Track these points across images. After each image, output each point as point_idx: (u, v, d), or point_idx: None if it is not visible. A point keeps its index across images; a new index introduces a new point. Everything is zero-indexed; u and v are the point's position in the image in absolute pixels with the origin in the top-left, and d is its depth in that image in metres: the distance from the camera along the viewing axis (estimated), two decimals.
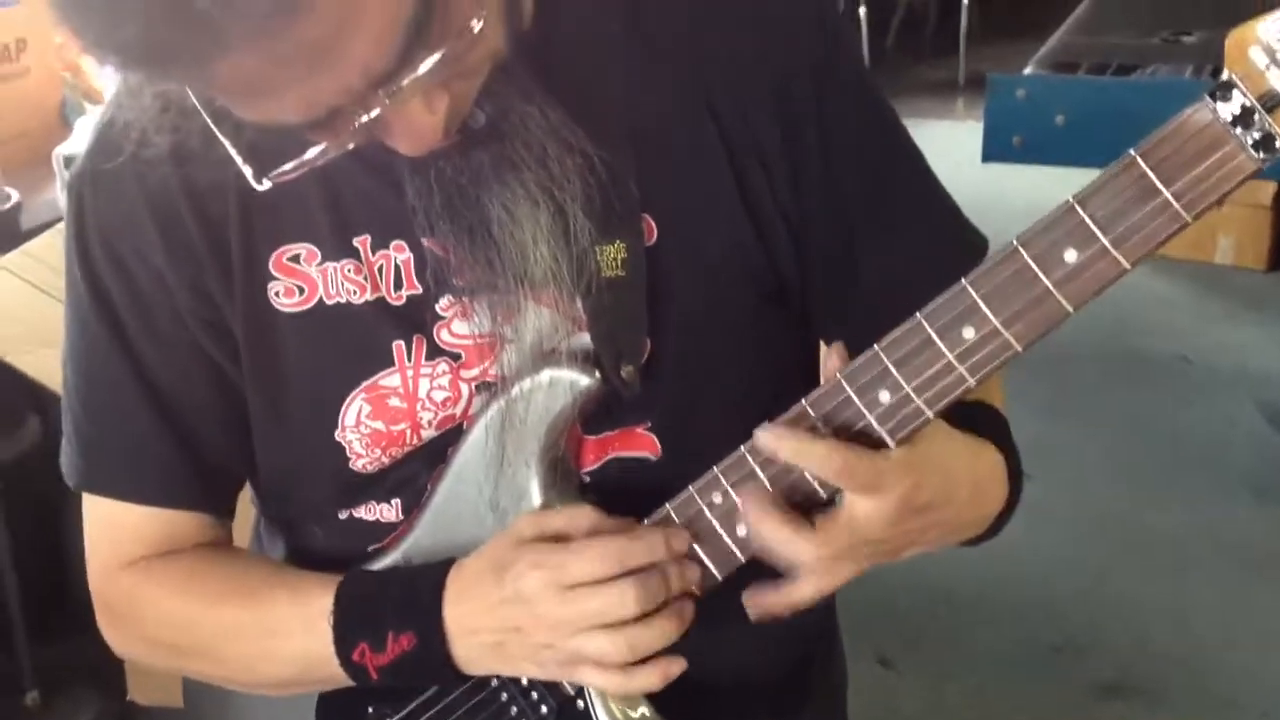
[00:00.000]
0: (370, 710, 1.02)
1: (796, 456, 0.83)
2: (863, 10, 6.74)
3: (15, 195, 2.53)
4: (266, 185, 0.79)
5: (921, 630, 2.80)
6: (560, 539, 0.90)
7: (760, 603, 0.89)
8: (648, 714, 0.95)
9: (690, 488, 0.91)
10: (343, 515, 1.01)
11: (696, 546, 0.91)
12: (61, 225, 2.16)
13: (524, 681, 0.97)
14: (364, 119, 0.75)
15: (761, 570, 0.89)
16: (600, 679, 0.90)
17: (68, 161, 2.59)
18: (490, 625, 0.91)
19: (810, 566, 0.85)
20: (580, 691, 0.96)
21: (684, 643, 0.90)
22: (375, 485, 0.99)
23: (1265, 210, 4.37)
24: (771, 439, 0.84)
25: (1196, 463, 3.38)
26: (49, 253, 1.97)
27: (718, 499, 0.90)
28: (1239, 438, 3.49)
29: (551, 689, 0.96)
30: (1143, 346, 3.92)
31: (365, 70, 0.72)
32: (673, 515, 0.92)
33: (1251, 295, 4.28)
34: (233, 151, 0.78)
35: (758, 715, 1.06)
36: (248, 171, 0.78)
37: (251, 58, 0.68)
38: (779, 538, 0.84)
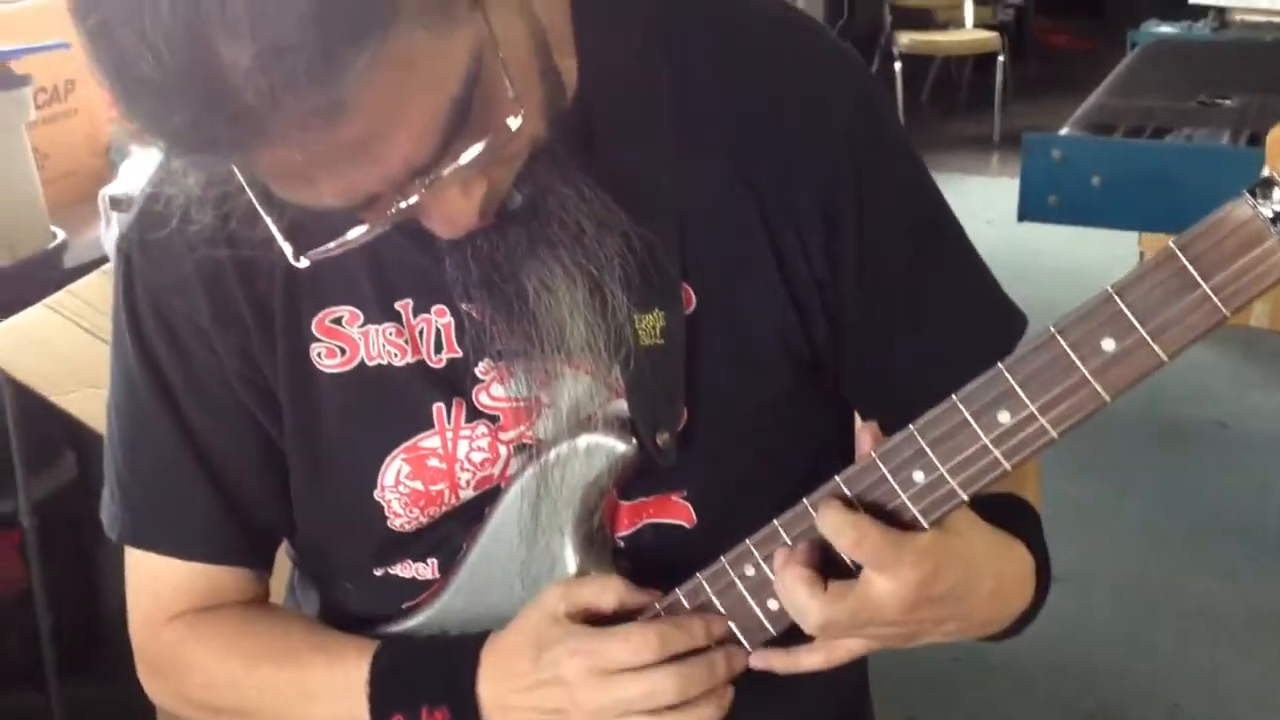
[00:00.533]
0: None
1: (820, 525, 0.84)
2: (898, 65, 6.79)
3: (61, 234, 2.57)
4: (305, 264, 0.80)
5: (953, 692, 2.78)
6: (590, 611, 0.91)
7: (766, 657, 0.90)
8: None
9: (722, 559, 0.91)
10: (378, 572, 1.02)
11: (728, 617, 0.91)
12: (107, 266, 2.21)
13: None
14: (402, 205, 0.76)
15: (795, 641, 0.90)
16: None
17: (114, 202, 2.63)
18: (527, 705, 0.92)
19: (816, 628, 0.85)
20: None
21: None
22: (412, 544, 1.00)
23: None
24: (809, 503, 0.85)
25: (1232, 529, 3.36)
26: (94, 293, 1.99)
27: (750, 571, 0.90)
28: (1275, 504, 3.47)
29: None
30: (1179, 412, 3.90)
31: (405, 163, 0.73)
32: (705, 585, 0.92)
33: None
34: (275, 230, 0.79)
35: None
36: (288, 249, 0.80)
37: (294, 151, 0.70)
38: (795, 592, 0.84)
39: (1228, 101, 3.24)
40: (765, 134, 0.94)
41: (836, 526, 0.83)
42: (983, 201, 4.20)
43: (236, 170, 0.77)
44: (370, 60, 0.66)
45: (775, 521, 0.88)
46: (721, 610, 0.92)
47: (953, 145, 6.52)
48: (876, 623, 0.85)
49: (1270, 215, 0.73)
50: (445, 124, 0.72)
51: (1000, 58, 6.89)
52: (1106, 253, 4.44)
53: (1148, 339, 0.76)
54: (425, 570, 1.01)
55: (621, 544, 0.98)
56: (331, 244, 0.79)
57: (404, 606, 1.02)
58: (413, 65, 0.69)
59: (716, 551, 0.92)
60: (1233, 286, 0.74)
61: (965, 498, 0.82)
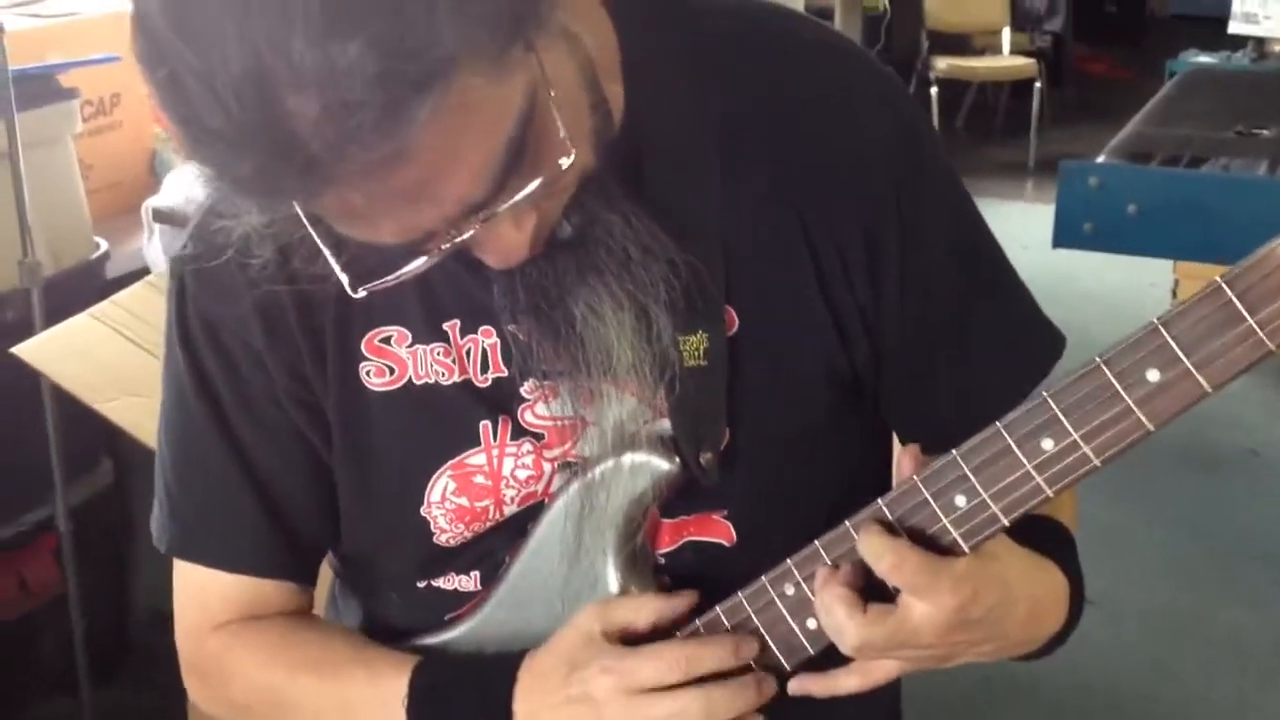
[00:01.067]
0: None
1: (861, 549, 0.85)
2: (934, 90, 6.80)
3: (104, 244, 2.62)
4: (362, 294, 0.82)
5: (982, 713, 2.79)
6: (626, 631, 0.93)
7: (805, 685, 0.92)
8: None
9: (763, 578, 0.93)
10: (422, 585, 1.04)
11: (766, 636, 0.93)
12: (151, 277, 2.24)
13: None
14: (457, 240, 0.78)
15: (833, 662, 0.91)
16: None
17: (157, 214, 2.67)
18: None
19: (853, 649, 0.87)
20: None
21: None
22: (456, 557, 1.02)
23: None
24: (851, 526, 0.87)
25: (1262, 558, 3.36)
26: (137, 303, 2.03)
27: (789, 590, 0.92)
28: None
29: None
30: (1212, 439, 3.92)
31: (461, 202, 0.75)
32: (744, 603, 0.93)
33: None
34: (334, 264, 0.81)
35: None
36: (345, 280, 0.81)
37: (356, 195, 0.72)
38: (834, 612, 0.86)
39: (1265, 132, 3.23)
40: (809, 160, 0.96)
41: (876, 550, 0.84)
42: (1018, 227, 4.21)
43: (299, 208, 0.79)
44: (431, 110, 0.68)
45: (816, 542, 0.90)
46: (760, 629, 0.93)
47: (988, 171, 6.53)
48: (913, 645, 0.86)
49: None
50: (500, 164, 0.74)
51: (1037, 84, 6.91)
52: (1141, 280, 4.45)
53: (1193, 370, 0.77)
54: (468, 583, 1.03)
55: (662, 560, 0.99)
56: (389, 277, 0.80)
57: (446, 618, 1.04)
58: (470, 111, 0.71)
59: (755, 570, 0.93)
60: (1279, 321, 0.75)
61: (1006, 523, 0.83)
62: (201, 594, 1.07)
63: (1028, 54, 7.26)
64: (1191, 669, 2.93)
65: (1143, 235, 2.91)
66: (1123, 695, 2.84)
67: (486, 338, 0.97)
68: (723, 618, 0.94)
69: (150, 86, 0.71)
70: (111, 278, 2.63)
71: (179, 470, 1.05)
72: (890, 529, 0.86)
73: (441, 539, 1.00)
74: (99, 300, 2.29)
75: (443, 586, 1.04)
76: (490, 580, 1.02)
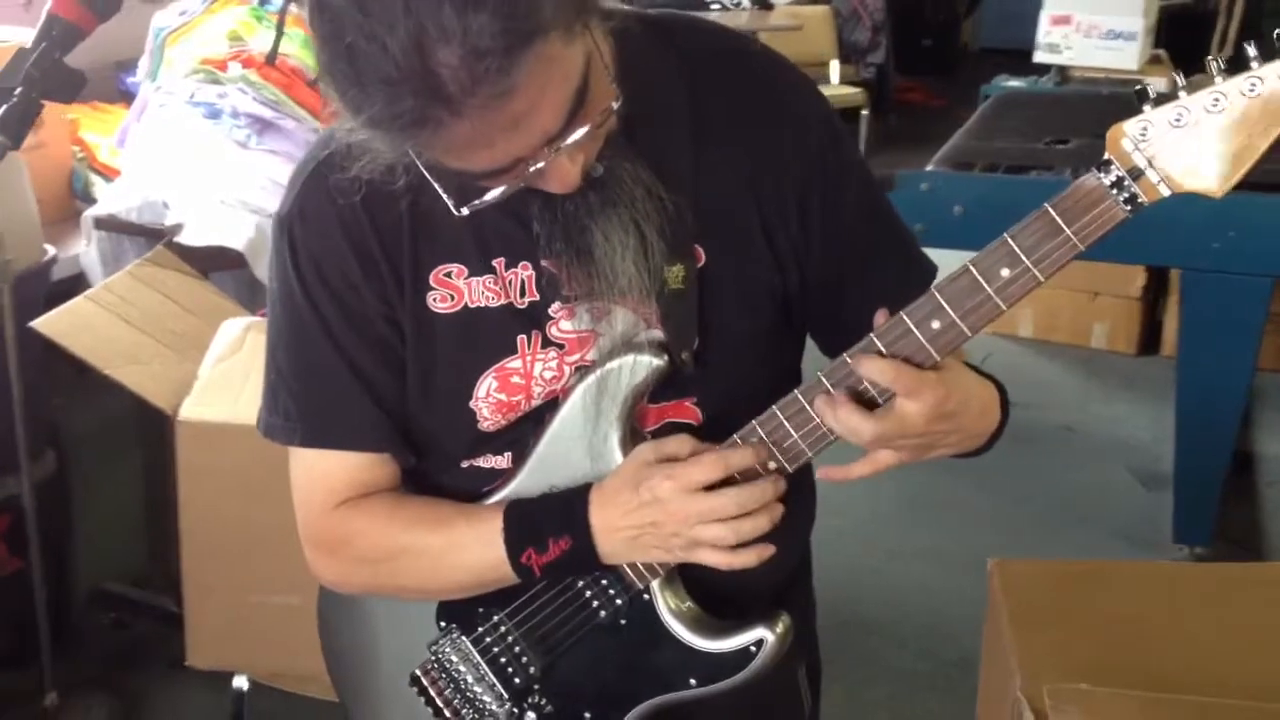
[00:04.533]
0: (481, 610, 1.35)
1: (860, 367, 1.16)
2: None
3: (52, 250, 2.78)
4: (465, 213, 1.12)
5: (839, 649, 3.14)
6: (672, 458, 1.23)
7: (829, 473, 1.24)
8: (691, 605, 1.31)
9: (773, 406, 1.22)
10: (465, 465, 1.33)
11: (774, 449, 1.23)
12: (132, 267, 2.48)
13: (602, 581, 1.30)
14: (534, 168, 1.08)
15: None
16: (714, 558, 1.23)
17: (98, 222, 2.89)
18: (630, 524, 1.23)
19: (869, 440, 1.17)
20: (647, 587, 1.29)
21: (769, 536, 1.23)
22: (493, 440, 1.31)
23: (1135, 301, 4.87)
24: (851, 358, 1.17)
25: (1076, 517, 3.78)
26: (124, 289, 2.27)
27: (793, 411, 1.22)
28: (1113, 495, 3.92)
29: (625, 585, 1.29)
30: (1032, 418, 4.34)
31: (543, 134, 1.05)
32: (757, 428, 1.23)
33: (1124, 376, 4.76)
34: (441, 191, 1.12)
35: (761, 601, 1.36)
36: (451, 203, 1.12)
37: (475, 126, 1.01)
38: (852, 421, 1.16)
39: (1067, 144, 3.59)
40: (755, 135, 1.27)
41: (879, 369, 1.15)
42: None
43: (413, 155, 1.08)
44: (533, 58, 0.99)
45: (819, 374, 1.20)
46: (770, 443, 1.23)
47: None
48: (907, 435, 1.17)
49: (1109, 183, 1.10)
50: (570, 105, 1.05)
51: (864, 112, 7.28)
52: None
53: (1030, 266, 1.12)
54: (502, 461, 1.32)
55: (649, 436, 1.30)
56: (488, 197, 1.10)
57: (484, 490, 1.33)
58: (554, 63, 1.01)
59: (716, 443, 1.25)
60: (1086, 230, 1.11)
61: (969, 334, 1.14)
62: (326, 478, 1.33)
63: (854, 84, 7.64)
64: None
65: (967, 233, 3.26)
66: (955, 628, 3.18)
67: (524, 271, 1.25)
68: (738, 440, 1.24)
69: (333, 57, 1.00)
70: (54, 280, 2.83)
71: (302, 380, 1.30)
72: (879, 353, 1.16)
73: (484, 426, 1.29)
74: (50, 300, 2.52)
75: (482, 465, 1.33)
76: (519, 459, 1.31)
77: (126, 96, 3.55)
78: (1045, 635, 1.48)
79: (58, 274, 2.87)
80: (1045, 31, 5.09)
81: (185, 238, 2.77)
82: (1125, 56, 5.00)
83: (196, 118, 2.97)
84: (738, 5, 7.13)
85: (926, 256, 1.39)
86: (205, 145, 2.93)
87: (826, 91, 7.36)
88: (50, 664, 2.66)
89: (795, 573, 1.47)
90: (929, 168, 3.54)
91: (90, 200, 3.20)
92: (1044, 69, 5.17)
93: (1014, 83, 5.24)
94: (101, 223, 2.87)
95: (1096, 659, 1.41)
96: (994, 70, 5.76)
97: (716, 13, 7.01)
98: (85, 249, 2.93)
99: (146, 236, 2.88)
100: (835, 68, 7.55)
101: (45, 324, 2.17)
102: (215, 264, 2.82)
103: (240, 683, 2.44)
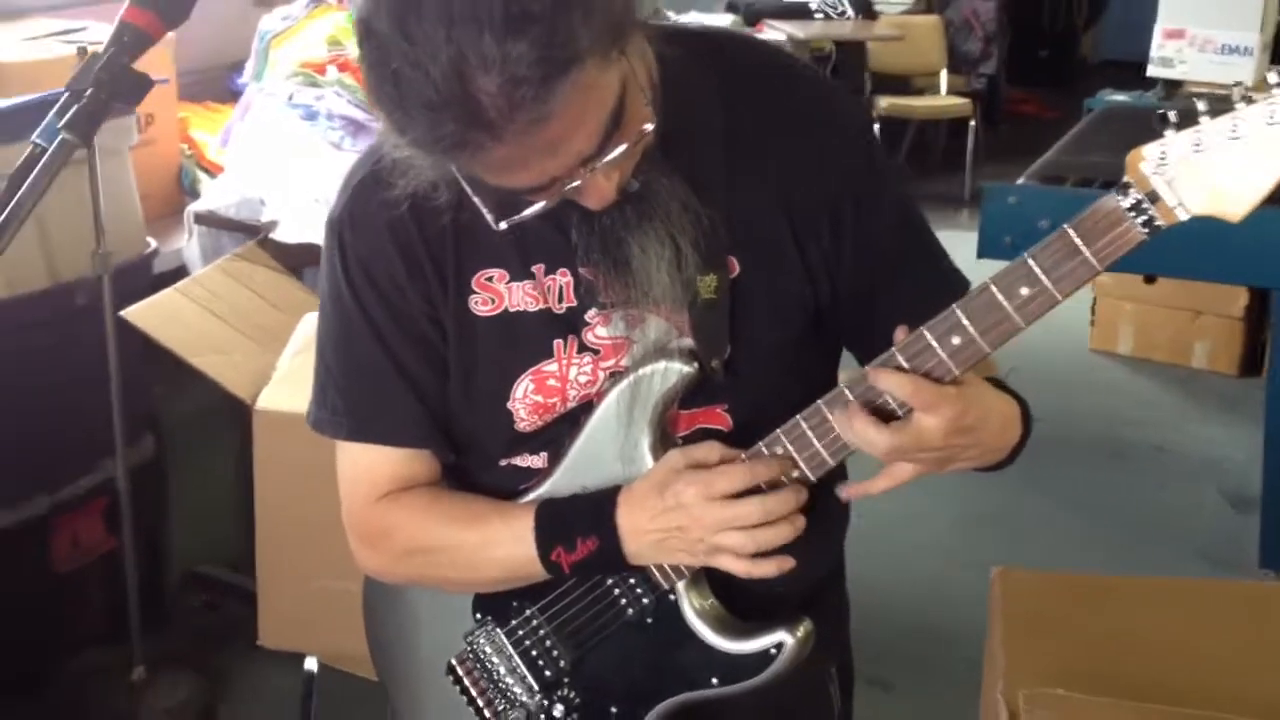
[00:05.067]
0: (515, 604, 1.39)
1: (879, 380, 1.18)
2: (876, 127, 7.10)
3: (154, 243, 2.92)
4: (504, 226, 1.16)
5: (914, 659, 3.14)
6: (701, 465, 1.27)
7: (850, 490, 1.27)
8: (715, 604, 1.34)
9: (797, 416, 1.25)
10: (503, 463, 1.38)
11: (797, 457, 1.26)
12: (221, 261, 2.58)
13: (630, 580, 1.34)
14: (571, 186, 1.13)
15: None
16: (734, 564, 1.26)
17: (198, 217, 3.01)
18: (656, 527, 1.27)
19: (885, 453, 1.19)
20: (672, 588, 1.33)
21: (792, 547, 1.25)
22: (530, 440, 1.36)
23: (1238, 321, 4.78)
24: (871, 371, 1.20)
25: (1161, 536, 3.73)
26: (213, 283, 2.37)
27: (816, 421, 1.25)
28: (1202, 516, 3.86)
29: (651, 585, 1.33)
30: (1126, 436, 4.29)
31: (579, 155, 1.10)
32: (781, 436, 1.26)
33: (1223, 396, 4.68)
34: (483, 207, 1.16)
35: (789, 607, 1.37)
36: (491, 218, 1.16)
37: (513, 149, 1.06)
38: (867, 434, 1.18)
39: None
40: (788, 151, 1.30)
41: (897, 383, 1.18)
42: (952, 252, 4.54)
43: (456, 171, 1.13)
44: (570, 86, 1.03)
45: (841, 384, 1.23)
46: (793, 452, 1.26)
47: (926, 202, 6.82)
48: (925, 449, 1.19)
49: (1127, 206, 1.12)
50: (606, 128, 1.09)
51: (972, 123, 7.24)
52: None
53: (1049, 286, 1.14)
54: (538, 461, 1.37)
55: (680, 442, 1.33)
56: (526, 212, 1.15)
57: (520, 488, 1.37)
58: (590, 89, 1.06)
59: (745, 449, 1.28)
60: (1104, 251, 1.12)
61: (989, 350, 1.17)
62: (369, 472, 1.38)
63: (963, 94, 7.56)
64: None
65: None
66: None
67: (563, 277, 1.30)
68: (763, 449, 1.27)
69: (380, 82, 1.05)
70: (156, 273, 2.96)
71: (350, 377, 1.36)
72: (900, 367, 1.18)
73: (520, 426, 1.34)
74: (150, 291, 2.62)
75: (518, 464, 1.37)
76: (554, 459, 1.36)
77: (236, 97, 3.69)
78: (1036, 643, 1.49)
79: (160, 267, 3.00)
80: (1159, 45, 4.99)
81: (279, 235, 2.88)
82: (1240, 71, 4.89)
83: (294, 119, 3.08)
84: (842, 15, 7.10)
85: (959, 270, 1.41)
86: (302, 146, 3.04)
87: (933, 102, 7.51)
88: (140, 640, 2.77)
89: (825, 578, 1.49)
90: (1019, 181, 3.51)
91: (196, 196, 3.33)
92: (1153, 82, 5.08)
93: (1118, 96, 5.16)
94: (202, 218, 2.99)
95: (1086, 669, 1.41)
96: (1109, 83, 5.67)
97: (820, 21, 7.01)
98: (187, 243, 3.06)
99: (244, 232, 2.99)
100: (944, 77, 7.51)
101: (134, 314, 2.28)
102: (307, 260, 2.92)
103: (311, 664, 2.52)
